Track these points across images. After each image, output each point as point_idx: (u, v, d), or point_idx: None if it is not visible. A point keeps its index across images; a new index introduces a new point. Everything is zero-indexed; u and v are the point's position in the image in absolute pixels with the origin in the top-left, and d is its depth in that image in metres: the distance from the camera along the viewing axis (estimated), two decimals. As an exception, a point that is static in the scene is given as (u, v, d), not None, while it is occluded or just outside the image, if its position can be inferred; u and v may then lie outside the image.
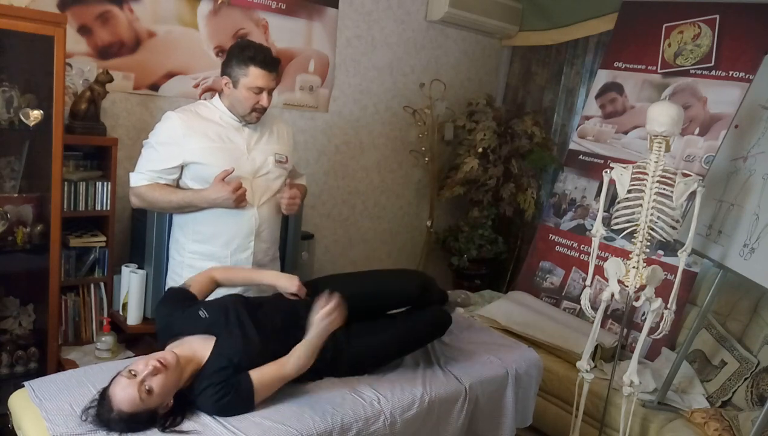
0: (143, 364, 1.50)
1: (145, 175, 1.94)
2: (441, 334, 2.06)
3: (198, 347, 1.64)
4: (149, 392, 1.47)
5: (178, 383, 1.54)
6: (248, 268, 1.99)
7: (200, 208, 1.95)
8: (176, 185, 1.97)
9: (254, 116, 1.98)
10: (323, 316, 1.61)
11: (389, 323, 1.97)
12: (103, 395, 1.49)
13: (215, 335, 1.66)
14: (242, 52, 1.91)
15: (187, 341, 1.66)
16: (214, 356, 1.61)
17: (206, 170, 1.94)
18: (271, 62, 1.93)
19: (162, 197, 1.93)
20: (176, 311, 1.73)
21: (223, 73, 1.96)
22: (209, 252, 2.00)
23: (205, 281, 1.84)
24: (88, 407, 1.50)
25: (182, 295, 1.78)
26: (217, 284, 1.88)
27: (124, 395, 1.46)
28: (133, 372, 1.48)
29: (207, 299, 1.83)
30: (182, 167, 1.95)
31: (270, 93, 1.96)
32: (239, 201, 1.91)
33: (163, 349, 1.65)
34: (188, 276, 1.99)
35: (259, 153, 2.03)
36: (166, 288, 2.12)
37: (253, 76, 1.90)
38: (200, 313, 1.70)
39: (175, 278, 2.07)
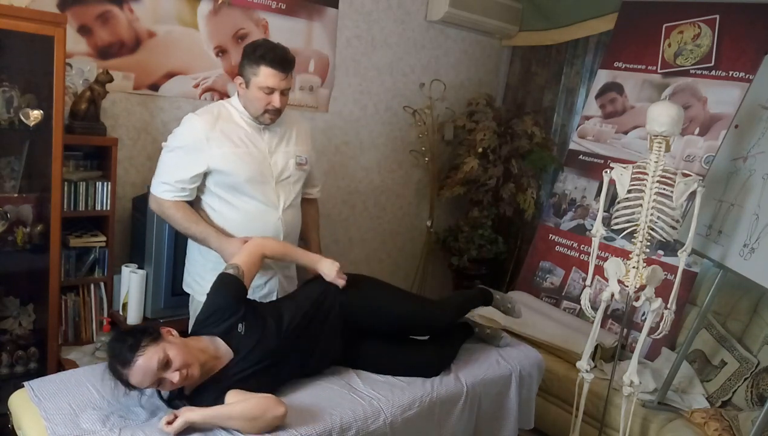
0: (180, 362, 1.51)
1: (171, 187, 1.90)
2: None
3: (223, 355, 1.67)
4: (161, 386, 1.52)
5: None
6: (295, 247, 1.97)
7: (209, 247, 1.94)
8: (197, 192, 1.97)
9: (267, 117, 1.94)
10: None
11: (398, 350, 1.99)
12: (130, 352, 1.49)
13: (237, 351, 1.67)
14: (254, 52, 1.87)
15: (217, 344, 1.68)
16: (231, 372, 1.64)
17: (231, 178, 1.92)
18: (283, 61, 1.88)
19: (183, 221, 1.92)
20: (224, 312, 1.70)
21: (238, 73, 1.93)
22: None
23: (256, 260, 1.81)
24: (113, 343, 1.55)
25: (237, 291, 1.74)
26: (265, 258, 1.86)
27: (139, 379, 1.49)
28: (167, 361, 1.49)
29: (254, 306, 1.79)
30: (205, 174, 1.92)
31: (284, 93, 1.91)
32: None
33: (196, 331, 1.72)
34: (212, 280, 1.92)
35: (281, 156, 2.01)
36: (188, 288, 2.12)
37: (264, 75, 1.86)
38: (239, 326, 1.69)
39: (197, 280, 2.05)
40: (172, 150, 1.93)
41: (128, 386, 1.52)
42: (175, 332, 1.62)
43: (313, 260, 1.91)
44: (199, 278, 2.04)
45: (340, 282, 1.86)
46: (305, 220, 2.20)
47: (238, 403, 1.54)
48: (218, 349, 1.67)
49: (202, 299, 1.98)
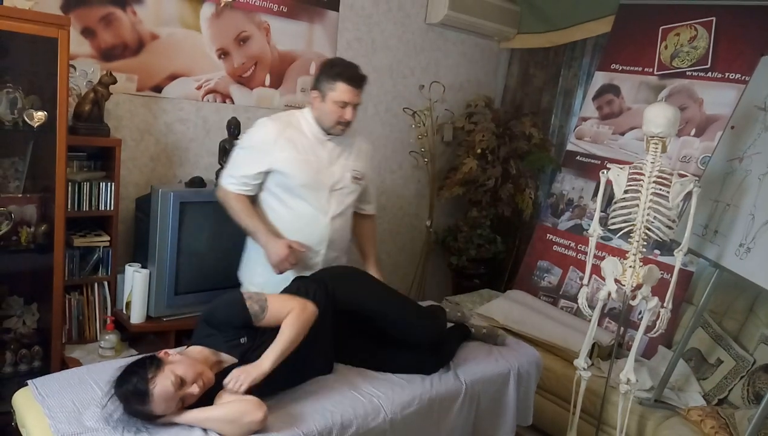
0: (192, 376, 1.51)
1: (236, 181, 2.09)
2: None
3: (225, 359, 1.68)
4: (185, 403, 1.52)
5: None
6: (288, 345, 1.67)
7: (256, 241, 2.08)
8: (259, 190, 2.12)
9: (339, 129, 2.08)
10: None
11: (396, 349, 1.98)
12: (142, 388, 1.47)
13: (235, 358, 1.67)
14: (332, 69, 2.04)
15: (218, 351, 1.69)
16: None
17: (289, 181, 2.07)
18: (358, 78, 2.05)
19: (240, 213, 2.08)
20: (229, 326, 1.70)
21: (313, 87, 2.08)
22: None
23: (277, 322, 1.71)
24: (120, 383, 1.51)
25: (245, 322, 1.68)
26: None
27: (164, 407, 1.48)
28: (181, 380, 1.49)
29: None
30: (267, 173, 2.07)
31: (354, 108, 2.06)
32: (280, 269, 2.03)
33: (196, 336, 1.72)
34: (262, 273, 2.10)
35: (339, 168, 2.14)
36: (241, 278, 2.22)
37: (340, 90, 2.01)
38: (241, 340, 1.69)
39: (248, 272, 2.19)
40: (242, 148, 2.13)
41: (154, 418, 1.50)
42: (171, 351, 1.62)
43: (260, 360, 1.64)
44: (250, 270, 2.20)
45: (234, 382, 1.59)
46: (361, 232, 2.35)
47: (220, 406, 1.54)
48: (219, 354, 1.68)
49: (251, 287, 2.12)
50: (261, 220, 2.09)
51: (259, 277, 2.14)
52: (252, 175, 2.08)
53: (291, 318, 1.70)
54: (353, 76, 2.04)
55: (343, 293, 1.90)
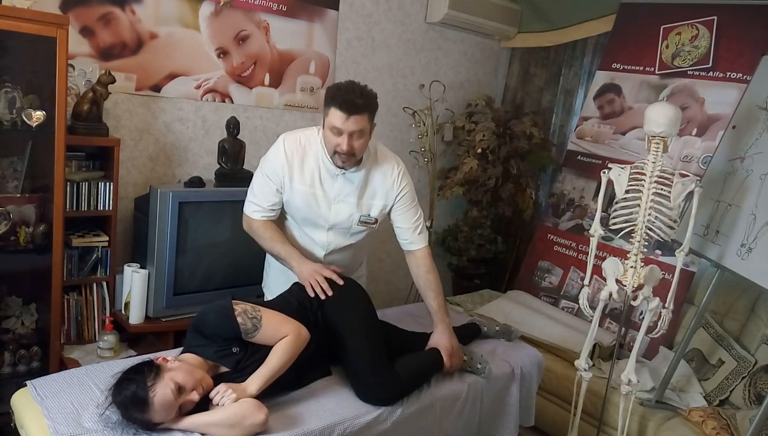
0: (192, 383, 1.50)
1: (258, 207, 2.01)
2: None
3: (220, 366, 1.66)
4: (183, 410, 1.50)
5: None
6: (275, 370, 1.65)
7: (290, 267, 1.97)
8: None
9: (338, 159, 1.90)
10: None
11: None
12: (141, 396, 1.45)
13: (228, 368, 1.65)
14: (329, 92, 1.87)
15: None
16: (225, 380, 1.61)
17: (289, 208, 2.02)
18: (349, 104, 1.81)
19: (267, 239, 2.00)
20: (218, 337, 1.66)
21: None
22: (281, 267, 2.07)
23: (268, 343, 1.67)
24: (118, 391, 1.48)
25: (236, 335, 1.64)
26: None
27: (163, 415, 1.47)
28: (180, 387, 1.48)
29: None
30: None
31: (351, 136, 1.84)
32: (312, 289, 1.87)
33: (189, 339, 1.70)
34: (276, 281, 2.11)
35: (345, 206, 1.99)
36: (265, 284, 2.25)
37: (332, 115, 1.84)
38: (233, 348, 1.66)
39: (265, 276, 2.25)
40: (259, 174, 2.02)
41: (153, 425, 1.48)
42: (169, 357, 1.60)
43: (247, 383, 1.61)
44: (266, 274, 2.24)
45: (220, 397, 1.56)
46: (414, 274, 2.15)
47: (219, 409, 1.52)
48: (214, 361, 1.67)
49: (266, 290, 2.22)
50: (291, 244, 2.00)
51: (273, 283, 2.15)
52: (272, 203, 2.00)
53: (284, 345, 1.65)
54: (345, 101, 1.81)
55: (328, 314, 1.85)
